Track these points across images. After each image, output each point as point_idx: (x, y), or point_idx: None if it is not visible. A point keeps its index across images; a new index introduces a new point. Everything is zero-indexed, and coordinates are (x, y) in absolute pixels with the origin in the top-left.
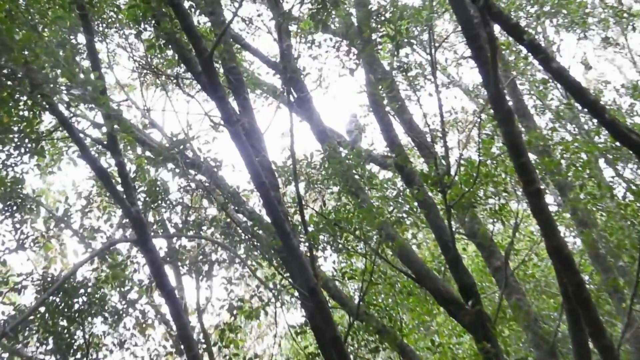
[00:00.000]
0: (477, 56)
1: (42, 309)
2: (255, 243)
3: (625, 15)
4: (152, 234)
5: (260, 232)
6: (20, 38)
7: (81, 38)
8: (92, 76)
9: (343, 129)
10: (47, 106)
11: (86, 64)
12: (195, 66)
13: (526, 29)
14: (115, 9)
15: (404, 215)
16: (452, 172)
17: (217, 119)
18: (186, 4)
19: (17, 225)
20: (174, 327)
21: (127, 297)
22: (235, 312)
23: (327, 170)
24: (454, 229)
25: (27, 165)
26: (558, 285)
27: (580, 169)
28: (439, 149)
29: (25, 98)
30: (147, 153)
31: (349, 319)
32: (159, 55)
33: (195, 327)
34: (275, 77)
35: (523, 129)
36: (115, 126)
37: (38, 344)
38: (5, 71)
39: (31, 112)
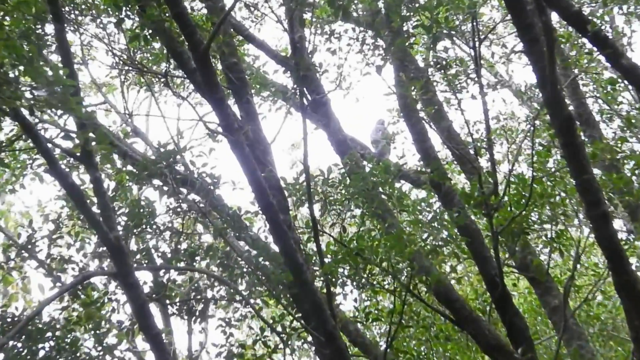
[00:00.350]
0: (531, 51)
1: (1, 357)
2: (260, 277)
3: None
4: (135, 265)
5: (267, 263)
6: None
7: (49, 28)
8: (62, 74)
9: (367, 139)
10: (7, 110)
11: (55, 59)
12: (188, 62)
13: (590, 17)
14: None
15: (441, 243)
16: (500, 191)
17: (214, 125)
18: None
19: None
20: None
21: (103, 341)
22: None
23: (347, 189)
24: (501, 261)
25: None
26: (628, 329)
27: None
28: (484, 163)
29: None
30: (129, 167)
31: None
32: (144, 49)
33: None
34: (285, 76)
35: (586, 139)
36: (91, 135)
37: None
38: None
39: None
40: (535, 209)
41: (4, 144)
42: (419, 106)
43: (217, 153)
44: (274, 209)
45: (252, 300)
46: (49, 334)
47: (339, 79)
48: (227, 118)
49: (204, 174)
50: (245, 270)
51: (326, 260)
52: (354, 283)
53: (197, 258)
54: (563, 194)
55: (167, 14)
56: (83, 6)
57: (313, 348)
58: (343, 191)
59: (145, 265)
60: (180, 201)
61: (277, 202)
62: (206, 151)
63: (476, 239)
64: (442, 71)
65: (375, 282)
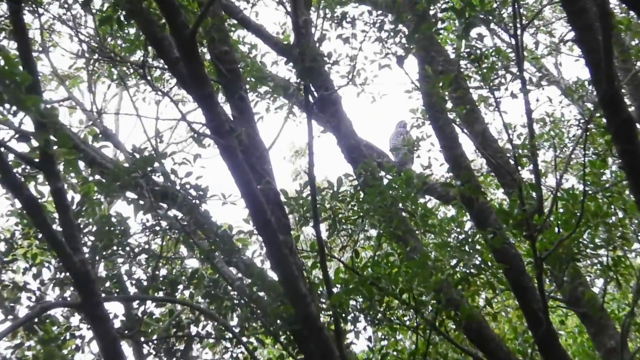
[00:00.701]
0: (583, 40)
1: None
2: (255, 310)
3: None
4: (104, 295)
5: (262, 294)
6: None
7: (2, 8)
8: (16, 64)
9: (386, 145)
10: None
11: (9, 45)
12: (170, 50)
13: None
14: None
15: (474, 271)
16: (545, 208)
17: (200, 127)
18: None
19: None
20: None
21: None
22: None
23: (361, 205)
24: (546, 293)
25: None
26: None
27: None
28: (526, 174)
29: None
30: (98, 177)
31: None
32: (117, 34)
33: None
34: (287, 68)
35: None
36: (51, 137)
37: None
38: None
39: None
40: (587, 231)
41: None
42: (448, 106)
43: (204, 160)
44: (272, 228)
45: (244, 339)
46: None
47: (351, 73)
48: (216, 118)
49: (187, 185)
50: (236, 302)
51: (335, 290)
52: (368, 318)
53: (179, 287)
54: (621, 213)
55: None
56: None
57: None
58: (356, 207)
59: (116, 295)
60: (159, 218)
61: (276, 220)
62: (190, 158)
63: (516, 266)
64: (476, 64)
65: (393, 318)
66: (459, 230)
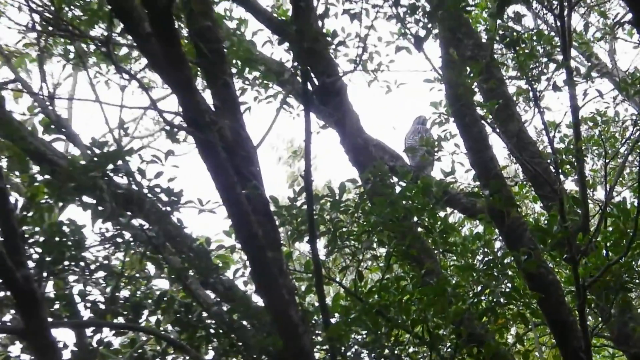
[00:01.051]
0: None
1: None
2: (235, 342)
3: None
4: (52, 319)
5: (245, 322)
6: None
7: None
8: None
9: (400, 145)
10: None
11: None
12: (140, 24)
13: None
14: None
15: (502, 300)
16: (592, 226)
17: (174, 117)
18: None
19: None
20: None
21: None
22: None
23: (368, 218)
24: (589, 329)
25: None
26: None
27: None
28: (569, 185)
29: None
30: (48, 176)
31: None
32: (76, 3)
33: None
34: (282, 49)
35: None
36: None
37: None
38: None
39: None
40: None
41: None
42: (476, 99)
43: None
44: (259, 243)
45: None
46: None
47: (361, 56)
48: (194, 107)
49: (157, 188)
50: (213, 331)
51: (333, 320)
52: (373, 355)
53: (144, 312)
54: None
55: None
56: None
57: None
58: (361, 220)
59: (66, 319)
60: (122, 228)
61: (264, 233)
62: (162, 155)
63: (553, 296)
64: (513, 49)
65: (404, 355)
66: (486, 250)
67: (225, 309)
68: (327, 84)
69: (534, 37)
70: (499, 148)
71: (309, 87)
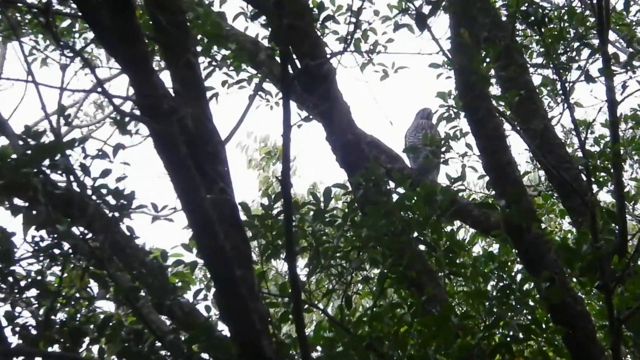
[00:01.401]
0: None
1: None
2: None
3: None
4: None
5: (207, 355)
6: None
7: None
8: None
9: (400, 143)
10: None
11: None
12: None
13: None
14: None
15: (519, 334)
16: (630, 248)
17: (123, 103)
18: None
19: None
20: None
21: None
22: None
23: (358, 231)
24: None
25: None
26: None
27: None
28: (604, 196)
29: None
30: None
31: None
32: None
33: None
34: (257, 24)
35: None
36: None
37: None
38: None
39: None
40: None
41: None
42: (492, 90)
43: (130, 153)
44: (226, 259)
45: None
46: None
47: (352, 35)
48: (150, 91)
49: (103, 189)
50: None
51: (314, 355)
52: None
53: (85, 339)
54: None
55: None
56: None
57: None
58: (350, 234)
59: None
60: (59, 236)
61: (232, 247)
62: (109, 150)
63: (582, 330)
64: (538, 30)
65: None
66: (501, 274)
67: (183, 338)
68: (312, 67)
69: (564, 16)
70: (519, 150)
71: (290, 70)
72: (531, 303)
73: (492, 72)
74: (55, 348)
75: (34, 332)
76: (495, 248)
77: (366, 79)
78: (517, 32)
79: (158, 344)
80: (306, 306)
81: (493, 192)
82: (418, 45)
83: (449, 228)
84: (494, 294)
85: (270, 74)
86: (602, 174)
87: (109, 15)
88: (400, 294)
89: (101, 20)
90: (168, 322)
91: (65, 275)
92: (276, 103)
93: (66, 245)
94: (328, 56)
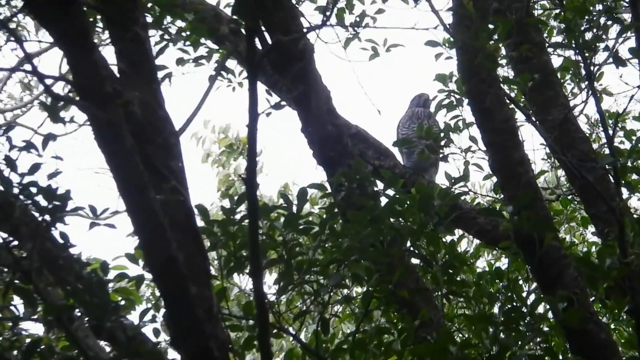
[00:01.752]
0: None
1: None
2: None
3: None
4: None
5: None
6: None
7: None
8: None
9: (390, 135)
10: None
11: None
12: None
13: None
14: None
15: None
16: None
17: (54, 83)
18: None
19: None
20: None
21: None
22: None
23: (339, 241)
24: None
25: None
26: None
27: None
28: (634, 202)
29: None
30: None
31: None
32: None
33: None
34: None
35: None
36: None
37: None
38: None
39: None
40: None
41: None
42: (502, 72)
43: (63, 144)
44: (179, 274)
45: None
46: None
47: (334, 4)
48: (88, 70)
49: (31, 187)
50: None
51: None
52: None
53: None
54: None
55: None
56: None
57: None
58: (328, 244)
59: None
60: None
61: (187, 259)
62: (38, 141)
63: None
64: (558, 2)
65: None
66: (509, 294)
67: None
68: (285, 43)
69: None
70: (534, 145)
71: (258, 47)
72: (545, 329)
73: (502, 51)
74: None
75: None
76: (503, 263)
77: (351, 57)
78: (533, 4)
79: None
80: (274, 331)
81: (501, 196)
82: (413, 18)
83: (448, 238)
84: (501, 318)
85: (234, 51)
86: (633, 175)
87: None
88: (389, 317)
89: None
90: (108, 349)
91: None
92: (240, 83)
93: None
94: (305, 30)
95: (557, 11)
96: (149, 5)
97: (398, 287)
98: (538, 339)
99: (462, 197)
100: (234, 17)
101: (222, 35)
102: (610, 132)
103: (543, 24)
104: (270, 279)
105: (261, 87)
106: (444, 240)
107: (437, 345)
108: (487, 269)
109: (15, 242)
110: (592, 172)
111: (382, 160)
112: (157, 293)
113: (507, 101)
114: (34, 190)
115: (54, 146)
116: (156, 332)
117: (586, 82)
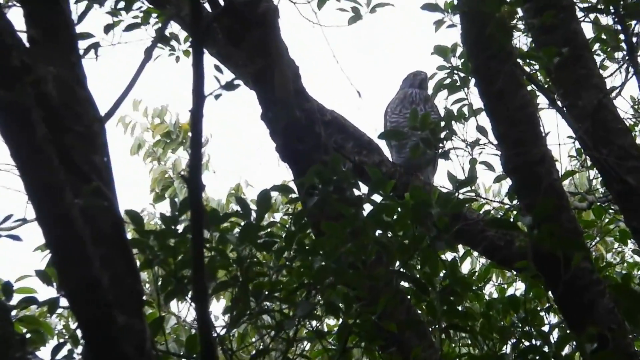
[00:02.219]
0: None
1: None
2: None
3: None
4: None
5: None
6: None
7: None
8: None
9: (376, 123)
10: None
11: None
12: None
13: None
14: None
15: None
16: None
17: None
18: None
19: None
20: None
21: None
22: None
23: (307, 258)
24: None
25: None
26: None
27: None
28: None
29: None
30: None
31: None
32: None
33: None
34: None
35: None
36: None
37: None
38: None
39: None
40: None
41: None
42: (518, 45)
43: None
44: (103, 299)
45: None
46: None
47: None
48: None
49: None
50: None
51: None
52: None
53: None
54: None
55: None
56: None
57: None
58: (296, 264)
59: None
60: None
61: (114, 281)
62: None
63: None
64: None
65: None
66: (526, 329)
67: None
68: (241, 5)
69: None
70: (559, 138)
71: (207, 9)
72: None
73: (518, 17)
74: None
75: None
76: (518, 289)
77: (325, 22)
78: None
79: None
80: None
81: (517, 203)
82: None
83: (449, 256)
84: (515, 358)
85: (176, 15)
86: None
87: None
88: (373, 357)
89: None
90: None
91: None
92: (185, 52)
93: None
94: None
95: None
96: None
97: (384, 318)
98: None
99: (467, 205)
100: None
101: None
102: None
103: None
104: (219, 307)
105: (210, 61)
106: (443, 259)
107: None
108: (498, 296)
109: None
110: (633, 173)
111: (365, 155)
112: (75, 323)
113: (526, 82)
114: None
115: None
116: None
117: (627, 58)
